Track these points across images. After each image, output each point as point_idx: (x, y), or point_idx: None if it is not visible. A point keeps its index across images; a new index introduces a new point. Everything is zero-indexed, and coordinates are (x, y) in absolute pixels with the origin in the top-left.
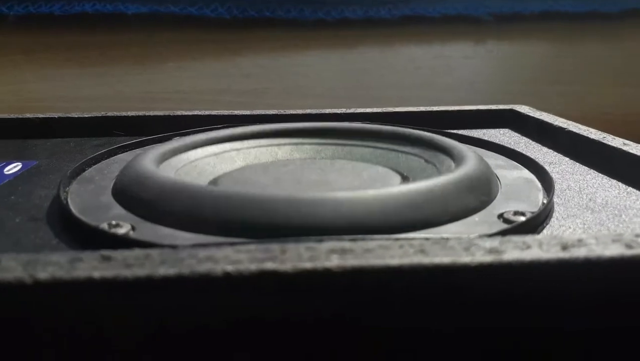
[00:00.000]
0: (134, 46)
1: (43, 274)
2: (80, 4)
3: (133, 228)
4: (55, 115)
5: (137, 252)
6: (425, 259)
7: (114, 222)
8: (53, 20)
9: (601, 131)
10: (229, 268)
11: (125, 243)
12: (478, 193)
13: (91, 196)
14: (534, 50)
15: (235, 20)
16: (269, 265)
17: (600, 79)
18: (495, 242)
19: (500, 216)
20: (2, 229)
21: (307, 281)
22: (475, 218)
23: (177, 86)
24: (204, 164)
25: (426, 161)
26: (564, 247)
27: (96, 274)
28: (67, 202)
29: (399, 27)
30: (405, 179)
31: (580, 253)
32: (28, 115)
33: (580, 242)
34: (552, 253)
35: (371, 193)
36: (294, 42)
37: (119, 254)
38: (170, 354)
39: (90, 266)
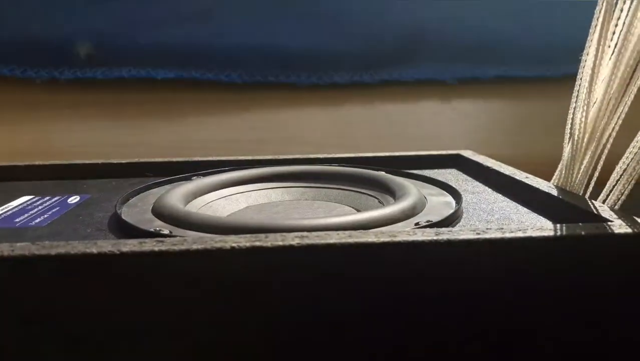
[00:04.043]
0: (161, 104)
1: (125, 248)
2: (118, 70)
3: (171, 232)
4: (99, 161)
5: (179, 238)
6: (350, 240)
7: (157, 228)
8: (96, 82)
9: (545, 171)
10: (234, 244)
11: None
12: (404, 213)
13: (138, 214)
14: (490, 107)
15: (245, 83)
16: (257, 243)
17: (545, 130)
18: (395, 232)
19: (417, 223)
20: (82, 236)
21: (279, 252)
22: (399, 225)
23: (196, 136)
24: (217, 205)
25: (379, 201)
26: (437, 233)
27: (156, 248)
28: (122, 217)
29: (378, 89)
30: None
31: (444, 236)
32: (77, 161)
33: (449, 231)
34: (428, 236)
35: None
36: (292, 101)
37: (167, 239)
38: (196, 302)
39: (152, 245)
